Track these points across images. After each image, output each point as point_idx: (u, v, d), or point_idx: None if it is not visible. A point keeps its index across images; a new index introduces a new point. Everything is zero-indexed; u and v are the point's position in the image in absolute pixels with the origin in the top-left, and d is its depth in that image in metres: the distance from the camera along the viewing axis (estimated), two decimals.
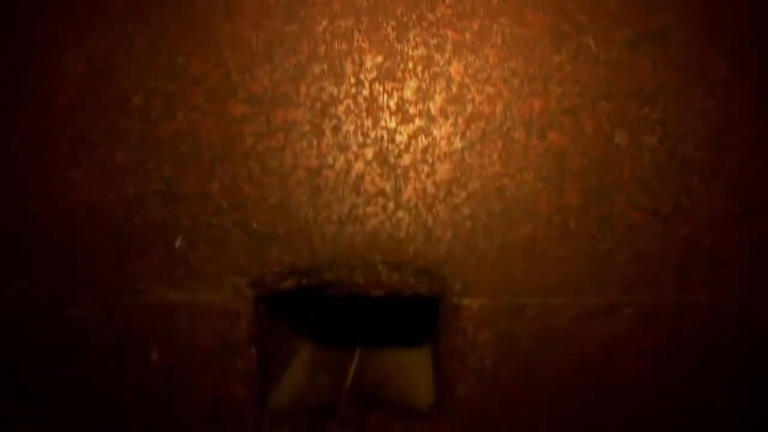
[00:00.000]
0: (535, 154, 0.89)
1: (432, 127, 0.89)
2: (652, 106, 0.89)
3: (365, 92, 0.90)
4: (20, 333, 0.94)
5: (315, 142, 0.90)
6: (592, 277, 0.89)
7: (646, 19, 0.89)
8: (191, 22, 0.92)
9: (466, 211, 0.89)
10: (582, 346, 0.90)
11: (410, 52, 0.89)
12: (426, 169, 0.89)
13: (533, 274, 0.89)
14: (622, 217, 0.89)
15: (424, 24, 0.90)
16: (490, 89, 0.89)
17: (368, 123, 0.89)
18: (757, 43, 0.90)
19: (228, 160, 0.91)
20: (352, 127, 0.90)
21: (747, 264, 0.89)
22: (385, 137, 0.89)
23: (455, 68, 0.89)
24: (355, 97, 0.90)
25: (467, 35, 0.89)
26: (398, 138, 0.89)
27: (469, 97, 0.89)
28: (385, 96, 0.89)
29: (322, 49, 0.90)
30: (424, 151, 0.89)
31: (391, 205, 0.89)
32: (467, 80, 0.89)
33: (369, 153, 0.89)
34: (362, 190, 0.90)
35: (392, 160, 0.89)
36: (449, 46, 0.89)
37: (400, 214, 0.89)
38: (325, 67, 0.90)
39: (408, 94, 0.89)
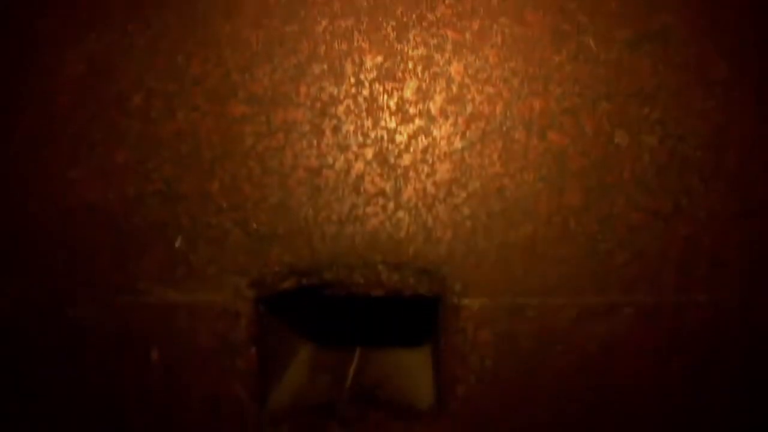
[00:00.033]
0: (535, 154, 0.89)
1: (432, 127, 0.89)
2: (652, 106, 0.89)
3: (365, 92, 0.90)
4: (20, 332, 0.94)
5: (315, 142, 0.90)
6: (592, 277, 0.89)
7: (646, 19, 0.89)
8: (191, 21, 0.92)
9: (466, 211, 0.89)
10: (582, 346, 0.90)
11: (410, 52, 0.89)
12: (426, 169, 0.89)
13: (533, 274, 0.89)
14: (622, 217, 0.89)
15: (424, 24, 0.90)
16: (490, 89, 0.89)
17: (368, 123, 0.89)
18: (757, 42, 0.90)
19: (228, 160, 0.91)
20: (352, 127, 0.90)
21: (747, 264, 0.89)
22: (385, 137, 0.89)
23: (455, 68, 0.89)
24: (355, 97, 0.90)
25: (467, 35, 0.89)
26: (398, 138, 0.89)
27: (469, 97, 0.89)
28: (385, 96, 0.89)
29: (322, 49, 0.90)
30: (424, 151, 0.89)
31: (391, 205, 0.89)
32: (467, 80, 0.89)
33: (369, 153, 0.89)
34: (362, 190, 0.90)
35: (392, 160, 0.89)
36: (449, 46, 0.89)
37: (400, 214, 0.89)
38: (325, 67, 0.90)
39: (408, 94, 0.89)
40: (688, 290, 0.89)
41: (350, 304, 1.14)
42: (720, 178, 0.88)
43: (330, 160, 0.90)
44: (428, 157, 0.89)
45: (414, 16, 0.90)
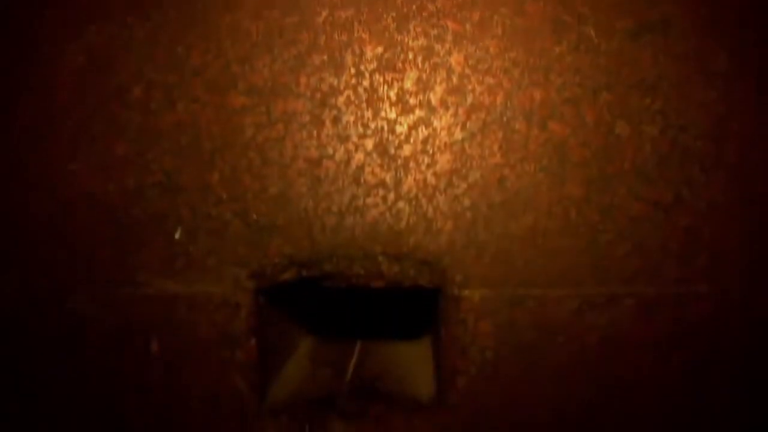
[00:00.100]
0: (535, 145, 0.88)
1: (432, 117, 0.89)
2: (653, 97, 0.88)
3: (365, 83, 0.89)
4: (20, 324, 0.94)
5: (315, 132, 0.90)
6: (593, 268, 0.89)
7: (647, 10, 0.89)
8: (191, 13, 0.92)
9: (466, 202, 0.89)
10: (583, 338, 0.89)
11: (410, 43, 0.89)
12: (426, 159, 0.89)
13: (534, 265, 0.89)
14: (623, 207, 0.88)
15: (425, 14, 0.89)
16: (490, 80, 0.89)
17: (368, 114, 0.89)
18: (758, 34, 0.90)
19: (228, 151, 0.91)
20: (352, 118, 0.89)
21: (748, 254, 0.88)
22: (386, 128, 0.89)
23: (455, 59, 0.89)
24: (355, 88, 0.89)
25: (467, 26, 0.89)
26: (398, 129, 0.89)
27: (469, 87, 0.89)
28: (386, 87, 0.89)
29: (322, 39, 0.90)
30: (425, 141, 0.89)
31: (391, 196, 0.89)
32: (467, 71, 0.89)
33: (369, 144, 0.89)
34: (362, 181, 0.89)
35: (392, 150, 0.89)
36: (449, 37, 0.89)
37: (401, 205, 0.89)
38: (325, 57, 0.90)
39: (408, 84, 0.89)
40: (688, 281, 0.89)
41: (350, 296, 1.14)
42: (721, 168, 0.88)
43: (330, 151, 0.90)
44: (428, 147, 0.89)
45: (414, 6, 0.89)
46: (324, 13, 0.90)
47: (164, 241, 0.92)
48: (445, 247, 0.89)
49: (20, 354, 0.95)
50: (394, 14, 0.90)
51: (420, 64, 0.89)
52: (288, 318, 1.08)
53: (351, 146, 0.89)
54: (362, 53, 0.90)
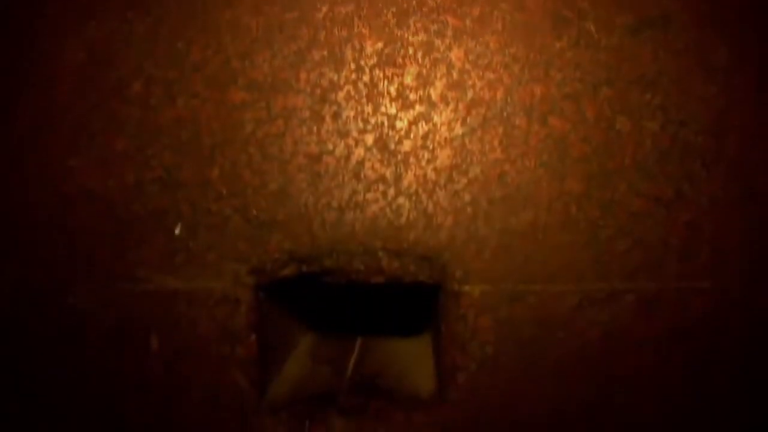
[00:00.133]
0: (536, 140, 0.88)
1: (432, 113, 0.89)
2: (653, 92, 0.88)
3: (365, 78, 0.89)
4: (19, 320, 0.94)
5: (315, 128, 0.90)
6: (593, 264, 0.89)
7: (647, 5, 0.89)
8: (191, 8, 0.92)
9: (466, 197, 0.89)
10: (583, 333, 0.89)
11: (410, 38, 0.89)
12: (426, 155, 0.89)
13: (534, 260, 0.89)
14: (623, 203, 0.88)
15: (425, 10, 0.89)
16: (490, 75, 0.89)
17: (368, 109, 0.89)
18: (758, 28, 0.90)
19: (228, 147, 0.90)
20: (352, 114, 0.89)
21: (749, 249, 0.88)
22: (386, 123, 0.89)
23: (456, 54, 0.89)
24: (355, 83, 0.89)
25: (468, 21, 0.89)
26: (399, 124, 0.89)
27: (469, 83, 0.89)
28: (386, 82, 0.89)
29: (323, 35, 0.90)
30: (425, 137, 0.89)
31: (391, 191, 0.89)
32: (468, 66, 0.89)
33: (369, 139, 0.89)
34: (362, 176, 0.89)
35: (392, 146, 0.89)
36: (450, 32, 0.89)
37: (401, 200, 0.89)
38: (325, 53, 0.90)
39: (408, 80, 0.89)
40: (689, 277, 0.89)
41: (350, 292, 1.13)
42: (722, 163, 0.88)
43: (330, 146, 0.89)
44: (429, 143, 0.89)
45: (414, 2, 0.89)
46: (324, 9, 0.90)
47: (164, 237, 0.92)
48: (445, 243, 0.89)
49: (19, 349, 0.95)
50: (394, 10, 0.90)
51: (420, 60, 0.89)
52: (288, 314, 1.08)
53: (351, 142, 0.89)
54: (362, 49, 0.89)
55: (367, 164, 0.89)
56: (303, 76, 0.90)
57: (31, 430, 0.96)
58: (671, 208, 0.88)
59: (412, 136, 0.89)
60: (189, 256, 0.92)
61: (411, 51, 0.89)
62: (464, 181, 0.89)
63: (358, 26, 0.90)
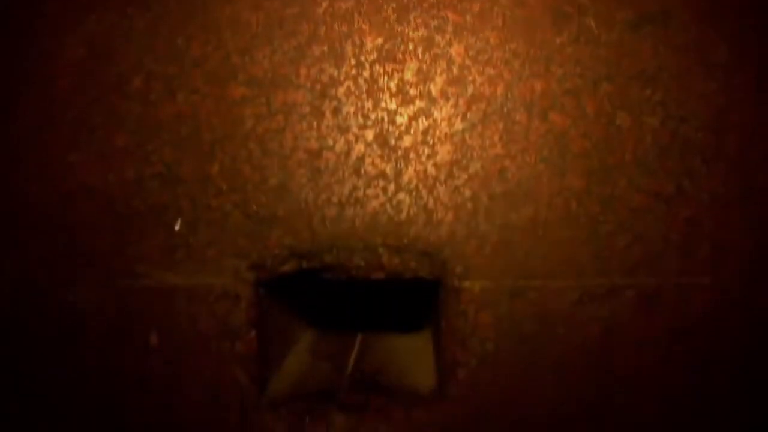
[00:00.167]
0: (536, 136, 0.88)
1: (433, 108, 0.89)
2: (653, 88, 0.88)
3: (365, 74, 0.89)
4: (19, 315, 0.94)
5: (315, 123, 0.89)
6: (593, 260, 0.89)
7: (647, 1, 0.89)
8: (191, 4, 0.92)
9: (467, 192, 0.89)
10: (583, 329, 0.89)
11: (411, 34, 0.89)
12: (427, 150, 0.89)
13: (535, 256, 0.89)
14: (623, 199, 0.88)
15: (425, 5, 0.89)
16: (491, 71, 0.89)
17: (368, 105, 0.89)
18: (758, 25, 0.90)
19: (228, 143, 0.90)
20: (352, 109, 0.89)
21: (749, 246, 0.88)
22: (386, 119, 0.89)
23: (456, 50, 0.89)
24: (355, 79, 0.89)
25: (468, 17, 0.89)
26: (399, 120, 0.89)
27: (470, 78, 0.89)
28: (386, 77, 0.89)
29: (323, 30, 0.90)
30: (425, 132, 0.89)
31: (391, 187, 0.89)
32: (468, 62, 0.89)
33: (369, 135, 0.89)
34: (363, 172, 0.89)
35: (393, 141, 0.89)
36: (450, 28, 0.89)
37: (401, 196, 0.89)
38: (326, 48, 0.90)
39: (408, 75, 0.89)
40: (689, 272, 0.89)
41: (350, 288, 1.13)
42: (722, 159, 0.88)
43: (330, 141, 0.89)
44: (429, 138, 0.89)
45: None
46: (324, 4, 0.90)
47: (164, 233, 0.92)
48: (445, 239, 0.89)
49: (19, 345, 0.95)
50: (394, 5, 0.90)
51: (420, 55, 0.89)
52: (288, 310, 1.08)
53: (351, 137, 0.89)
54: (362, 44, 0.89)
55: (368, 160, 0.89)
56: (303, 71, 0.90)
57: (31, 429, 0.96)
58: (671, 203, 0.88)
59: (412, 131, 0.89)
60: (189, 251, 0.92)
61: (411, 47, 0.89)
62: (464, 176, 0.89)
63: (358, 22, 0.90)
